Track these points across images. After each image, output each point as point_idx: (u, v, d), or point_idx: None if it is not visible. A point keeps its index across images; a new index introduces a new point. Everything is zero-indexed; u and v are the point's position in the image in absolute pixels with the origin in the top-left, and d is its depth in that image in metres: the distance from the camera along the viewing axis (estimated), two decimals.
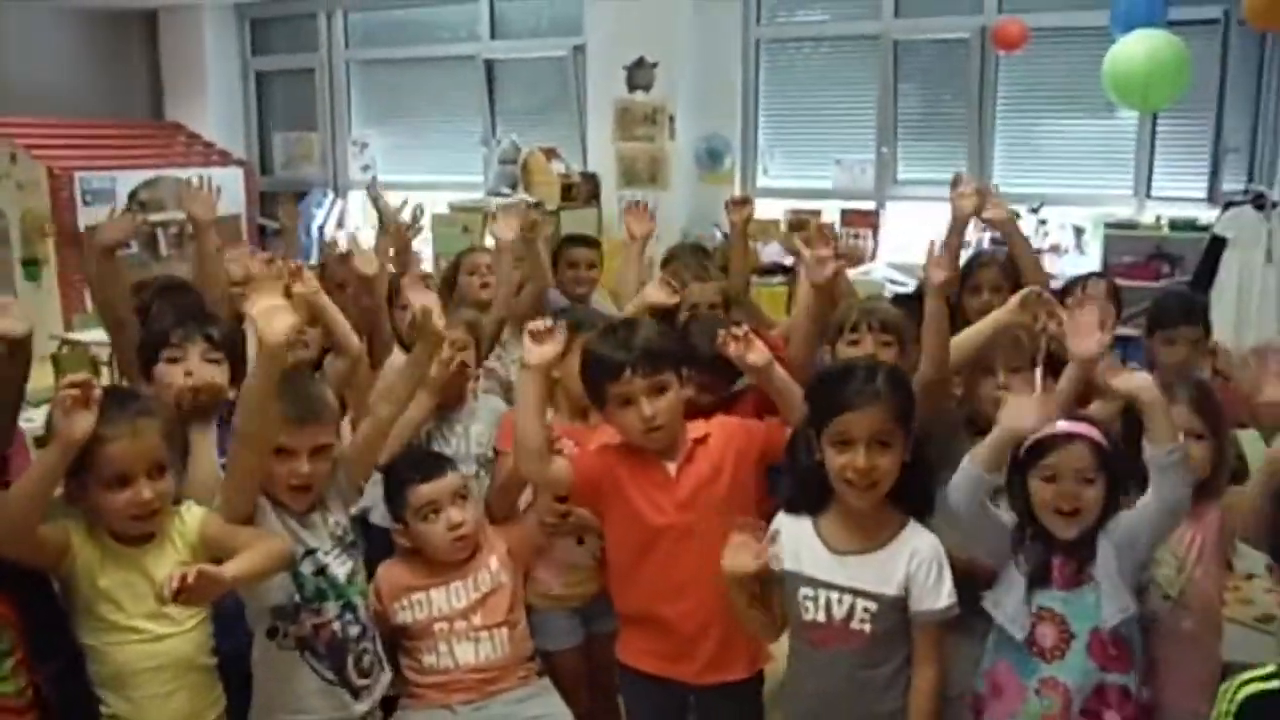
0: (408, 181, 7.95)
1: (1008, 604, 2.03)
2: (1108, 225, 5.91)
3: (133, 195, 7.05)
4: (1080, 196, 6.20)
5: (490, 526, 2.57)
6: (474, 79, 7.67)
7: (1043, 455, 1.98)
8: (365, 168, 8.05)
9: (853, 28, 6.72)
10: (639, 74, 6.70)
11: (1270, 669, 1.67)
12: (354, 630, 2.23)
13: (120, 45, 8.33)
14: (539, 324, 2.23)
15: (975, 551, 2.10)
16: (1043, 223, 6.04)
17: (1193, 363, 2.80)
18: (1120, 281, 4.50)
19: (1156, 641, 2.08)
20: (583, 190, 6.85)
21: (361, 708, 2.23)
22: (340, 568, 2.21)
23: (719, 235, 6.61)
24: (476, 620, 2.44)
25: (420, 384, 2.46)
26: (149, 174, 7.25)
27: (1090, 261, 5.79)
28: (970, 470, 2.00)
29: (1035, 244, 5.87)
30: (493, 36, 7.65)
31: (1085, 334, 2.16)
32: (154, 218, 7.01)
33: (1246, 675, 1.69)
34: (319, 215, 7.85)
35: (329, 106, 8.24)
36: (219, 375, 2.35)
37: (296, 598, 2.15)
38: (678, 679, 2.26)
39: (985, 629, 2.10)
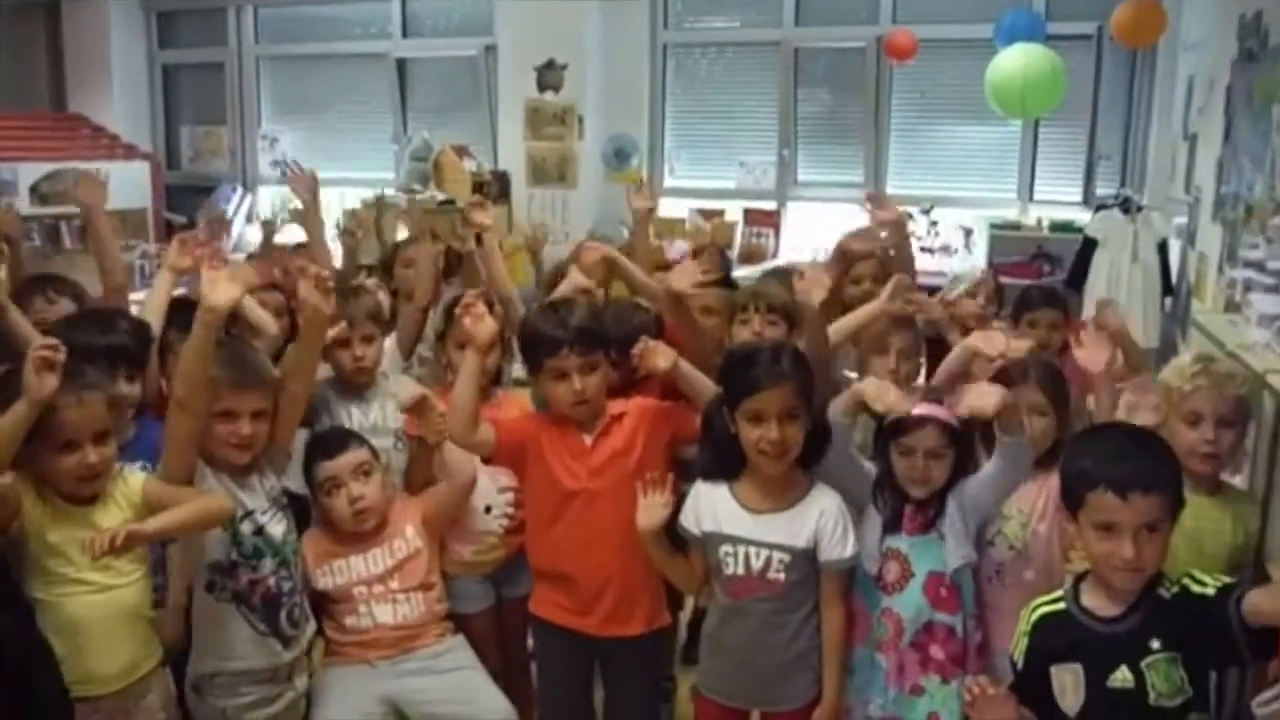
0: (318, 177, 8.09)
1: (865, 542, 2.33)
2: (993, 226, 6.32)
3: (34, 189, 7.06)
4: (968, 199, 6.61)
5: (406, 496, 2.80)
6: (385, 76, 7.82)
7: (902, 433, 2.28)
8: (276, 162, 8.15)
9: (755, 35, 7.03)
10: (549, 75, 6.92)
11: (1058, 594, 1.98)
12: (287, 585, 2.44)
13: (22, 35, 8.28)
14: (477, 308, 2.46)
15: (843, 493, 2.37)
16: (934, 224, 6.43)
17: (1050, 344, 3.15)
18: (1005, 279, 4.91)
19: (1001, 589, 2.37)
20: (493, 188, 7.04)
21: (289, 655, 2.44)
22: (276, 527, 2.43)
23: (626, 233, 6.88)
24: (394, 584, 2.65)
25: (313, 361, 2.59)
26: (51, 166, 7.24)
27: (978, 260, 6.19)
28: (834, 414, 2.30)
29: (927, 243, 6.32)
30: (404, 35, 7.80)
31: (991, 335, 2.50)
32: (56, 210, 7.03)
33: (1040, 600, 2.00)
34: (229, 209, 7.93)
35: (238, 101, 8.30)
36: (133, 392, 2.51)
37: (234, 555, 2.35)
38: (582, 631, 2.51)
39: None
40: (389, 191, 6.99)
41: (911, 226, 6.01)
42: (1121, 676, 1.83)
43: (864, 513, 2.37)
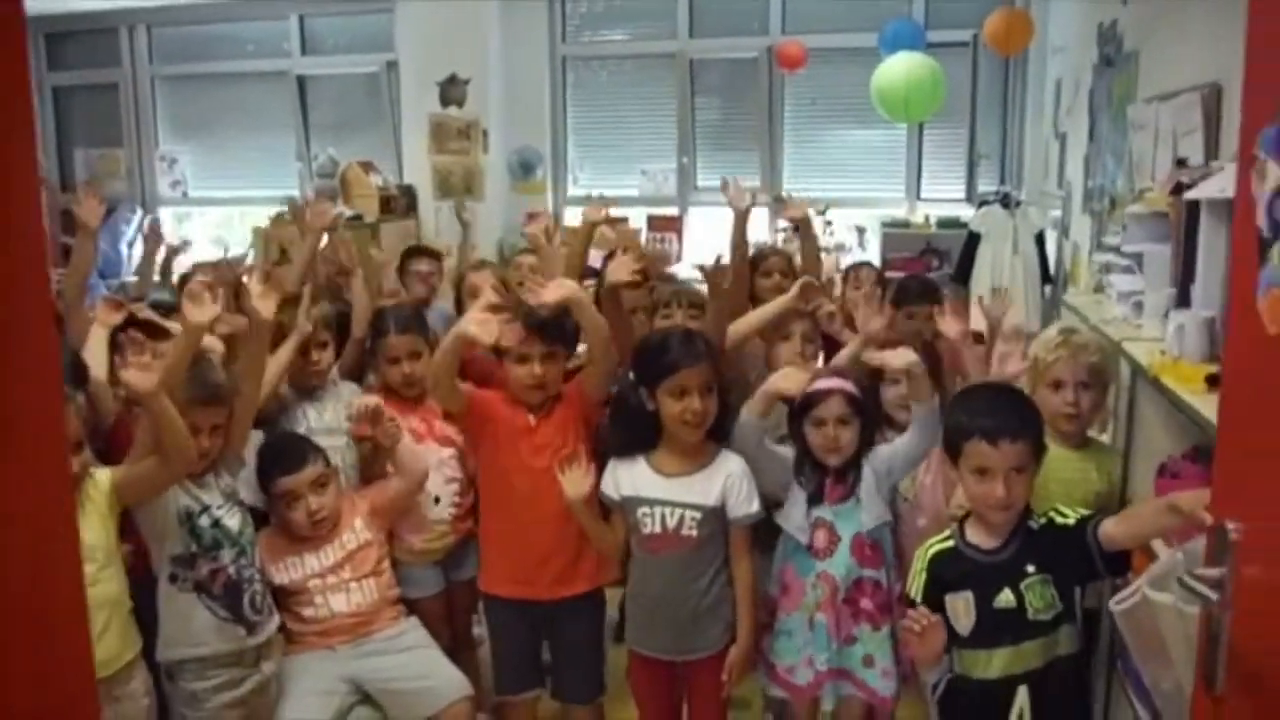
0: (219, 196, 8.17)
1: (793, 517, 2.65)
2: (885, 224, 6.75)
3: None
4: (861, 199, 7.03)
5: (352, 490, 3.03)
6: (285, 94, 7.92)
7: (811, 406, 2.61)
8: (175, 183, 8.21)
9: (652, 47, 7.35)
10: (452, 90, 7.13)
11: (947, 534, 2.33)
12: (247, 573, 2.66)
13: None
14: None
15: (762, 481, 2.68)
16: (829, 224, 6.79)
17: (925, 331, 3.51)
18: (896, 274, 5.30)
19: (901, 538, 2.71)
20: (400, 202, 7.22)
21: (254, 640, 2.65)
22: (231, 520, 2.64)
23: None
24: (346, 574, 2.87)
25: (260, 367, 2.79)
26: None
27: (871, 257, 6.57)
28: (747, 418, 2.62)
29: (823, 242, 6.68)
30: (303, 52, 7.92)
31: (873, 316, 2.86)
32: None
33: (931, 540, 2.34)
34: (128, 231, 7.94)
35: (134, 122, 8.32)
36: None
37: (194, 547, 2.56)
38: (531, 598, 2.78)
39: (773, 547, 2.72)
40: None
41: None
42: (1004, 598, 2.17)
43: (789, 492, 2.68)
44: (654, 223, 7.25)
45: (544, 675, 2.94)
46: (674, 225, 7.23)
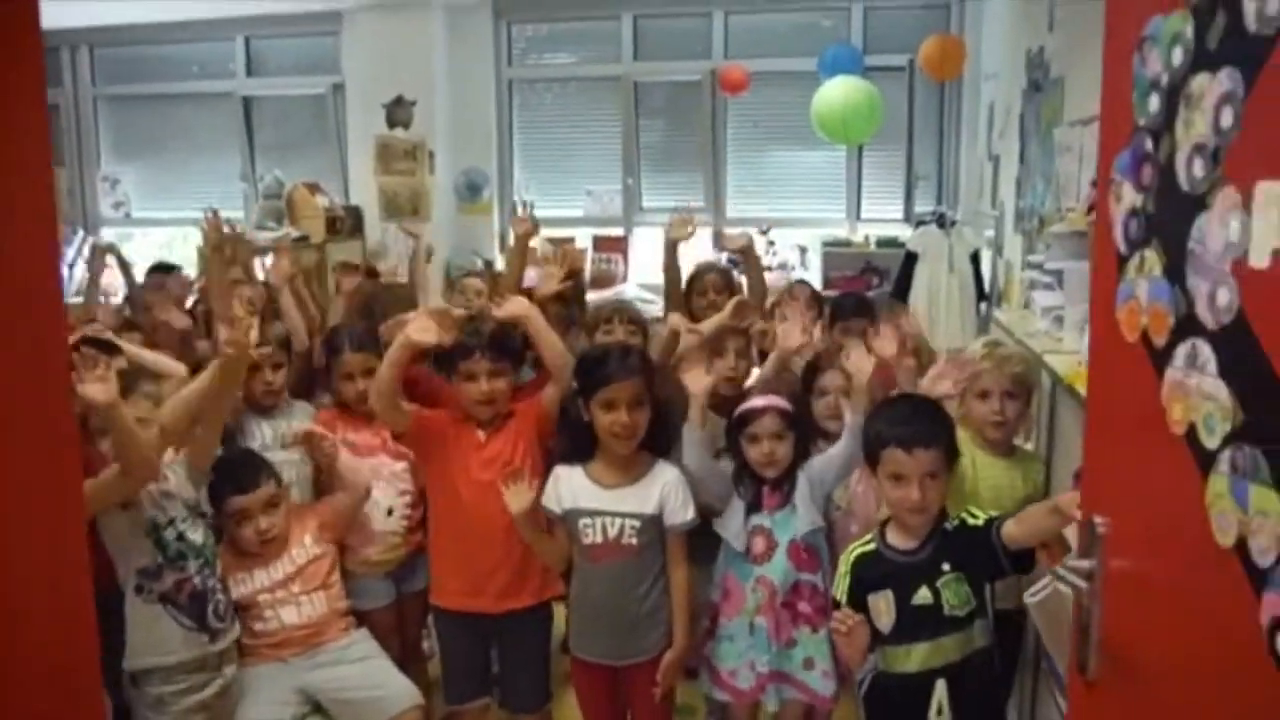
0: (163, 217, 8.16)
1: (731, 525, 2.77)
2: (826, 244, 6.92)
3: None
4: (802, 219, 7.20)
5: (301, 506, 3.10)
6: (231, 115, 7.95)
7: (747, 423, 2.74)
8: (118, 204, 8.19)
9: (597, 70, 7.48)
10: (398, 112, 7.21)
11: (869, 538, 2.47)
12: (210, 583, 2.73)
13: None
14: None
15: (703, 493, 2.80)
16: (771, 243, 6.97)
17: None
18: (834, 292, 5.45)
19: (836, 545, 2.83)
20: (347, 223, 7.27)
21: (216, 647, 2.72)
22: (195, 533, 2.71)
23: (479, 263, 7.22)
24: (295, 588, 2.95)
25: (231, 397, 2.90)
26: None
27: (813, 275, 6.75)
28: (690, 434, 2.75)
29: (765, 262, 6.85)
30: (249, 74, 7.97)
31: (793, 331, 2.97)
32: None
33: (854, 544, 2.49)
34: (69, 253, 7.91)
35: (76, 143, 8.30)
36: None
37: (160, 560, 2.63)
38: (480, 610, 2.87)
39: (713, 558, 2.84)
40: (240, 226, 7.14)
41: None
42: (922, 595, 2.32)
43: (728, 502, 2.80)
44: (599, 243, 7.36)
45: (492, 685, 3.03)
46: (619, 246, 7.34)
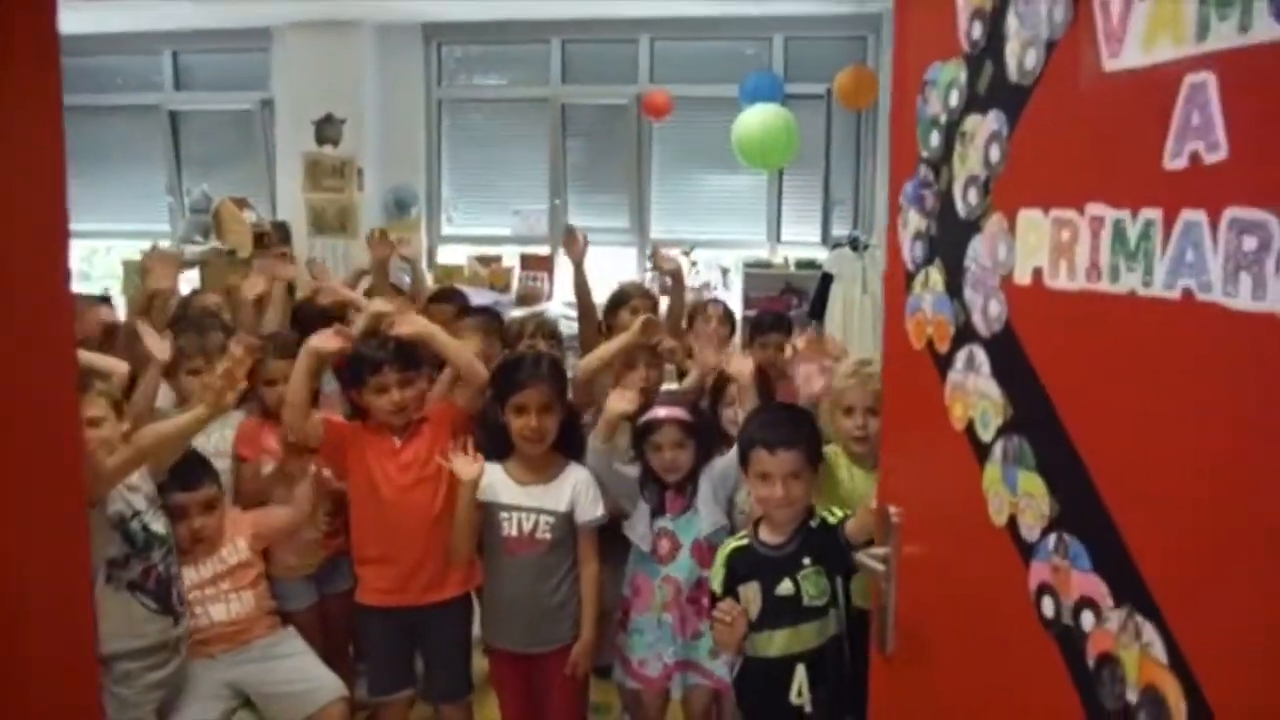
0: (85, 229, 8.15)
1: (638, 528, 2.99)
2: (747, 265, 7.17)
3: None
4: (725, 241, 7.46)
5: (238, 511, 3.24)
6: (157, 128, 8.02)
7: (650, 433, 2.97)
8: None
9: (525, 92, 7.68)
10: (327, 129, 7.33)
11: (744, 534, 2.70)
12: (174, 569, 2.88)
13: None
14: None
15: (611, 497, 3.01)
16: (695, 264, 7.21)
17: (779, 360, 3.88)
18: (756, 311, 5.68)
19: None
20: (274, 238, 7.36)
21: (177, 631, 2.87)
22: (157, 522, 2.85)
23: (407, 280, 7.34)
24: (225, 585, 3.08)
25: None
26: None
27: (734, 296, 7.00)
28: (594, 445, 2.98)
29: (689, 282, 7.07)
30: (176, 88, 8.03)
31: (709, 348, 3.21)
32: None
33: (730, 540, 2.72)
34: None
35: None
36: None
37: (128, 549, 2.76)
38: (404, 605, 3.04)
39: (625, 558, 3.06)
40: (164, 243, 7.21)
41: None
42: (785, 586, 2.56)
43: (635, 505, 3.01)
44: (526, 262, 7.53)
45: (415, 678, 3.19)
46: (546, 264, 7.52)
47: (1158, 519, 1.12)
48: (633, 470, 3.04)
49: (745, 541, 2.66)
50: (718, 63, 7.32)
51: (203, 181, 7.71)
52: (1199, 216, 1.04)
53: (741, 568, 2.61)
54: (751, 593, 2.57)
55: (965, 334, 1.45)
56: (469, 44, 7.76)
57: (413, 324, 3.04)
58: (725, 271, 7.35)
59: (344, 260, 7.34)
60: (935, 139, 1.51)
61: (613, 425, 2.96)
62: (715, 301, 4.61)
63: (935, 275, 1.52)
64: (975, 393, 1.43)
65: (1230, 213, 1.00)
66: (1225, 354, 1.02)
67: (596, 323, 3.97)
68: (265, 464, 3.33)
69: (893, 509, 1.64)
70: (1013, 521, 1.35)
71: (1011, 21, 1.33)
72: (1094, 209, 1.19)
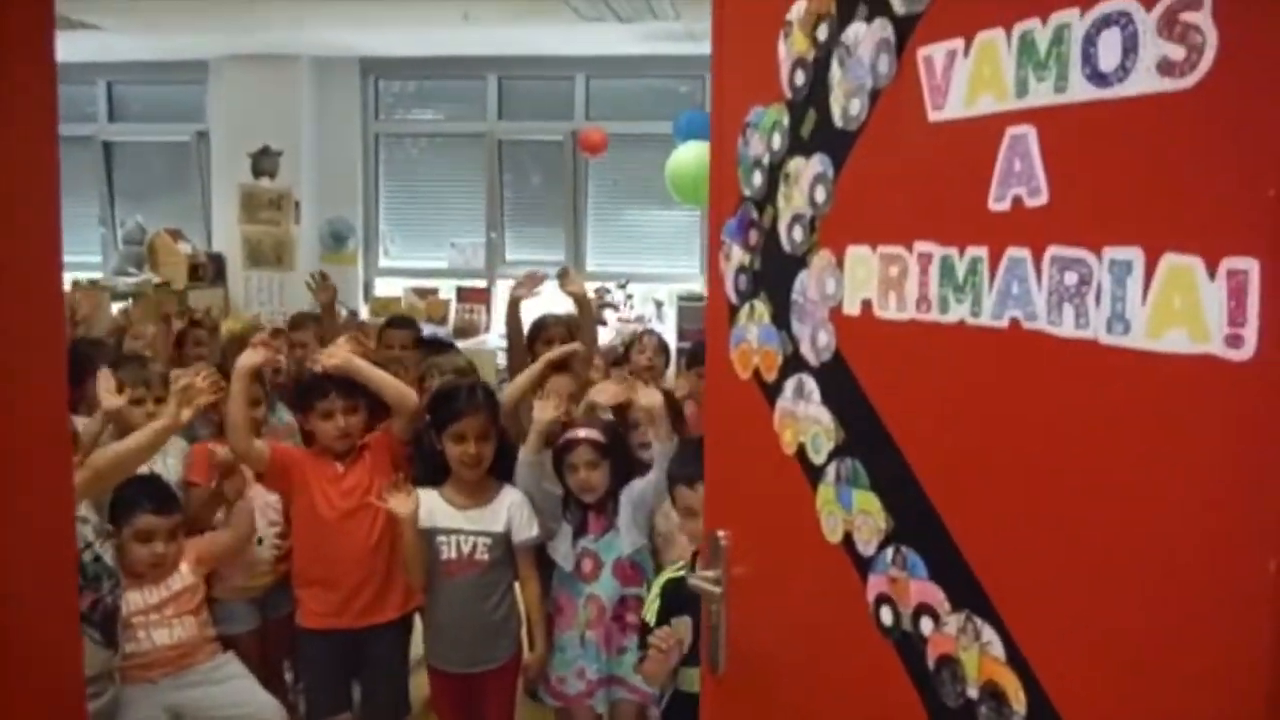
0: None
1: (560, 548, 3.12)
2: (681, 298, 7.29)
3: None
4: (659, 275, 7.61)
5: (185, 538, 3.26)
6: (91, 159, 8.02)
7: (566, 453, 3.09)
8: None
9: (462, 127, 7.82)
10: (264, 161, 7.40)
11: (680, 565, 2.73)
12: (120, 600, 2.93)
13: None
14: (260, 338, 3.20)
15: (540, 517, 3.12)
16: (629, 297, 7.35)
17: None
18: (690, 342, 5.78)
19: (662, 554, 3.18)
20: (209, 270, 7.39)
21: (117, 660, 2.91)
22: (106, 553, 2.91)
23: (344, 312, 7.38)
24: (169, 610, 3.13)
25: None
26: None
27: (669, 327, 7.12)
28: (524, 457, 3.10)
29: (624, 314, 7.19)
30: (110, 119, 8.05)
31: (607, 389, 3.33)
32: None
33: (666, 571, 2.80)
34: None
35: None
36: None
37: (80, 581, 2.77)
38: (344, 627, 3.14)
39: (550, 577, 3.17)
40: (97, 275, 7.21)
41: (611, 299, 6.96)
42: None
43: (559, 525, 3.14)
44: (463, 294, 7.64)
45: (351, 700, 3.30)
46: (483, 297, 7.64)
47: (992, 529, 1.20)
48: (558, 489, 3.16)
49: (681, 573, 2.65)
50: (652, 100, 7.48)
51: (136, 213, 7.71)
52: (1024, 254, 1.12)
53: (675, 600, 2.62)
54: (684, 626, 2.57)
55: (794, 363, 1.51)
56: (406, 79, 7.88)
57: (334, 356, 3.13)
58: (659, 304, 7.48)
59: (280, 293, 7.41)
60: (758, 178, 1.56)
61: (542, 435, 3.09)
62: (650, 333, 4.75)
63: (761, 308, 1.58)
64: (806, 419, 1.48)
65: (1052, 250, 1.08)
66: (1051, 375, 1.10)
67: (525, 353, 4.08)
68: None
69: (721, 532, 1.68)
70: (848, 538, 1.41)
71: (835, 71, 1.39)
72: (922, 246, 1.26)
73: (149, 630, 3.09)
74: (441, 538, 3.07)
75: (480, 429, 3.05)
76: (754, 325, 1.59)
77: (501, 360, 6.34)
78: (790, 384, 1.52)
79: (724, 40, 1.68)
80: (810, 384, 1.48)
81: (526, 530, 3.10)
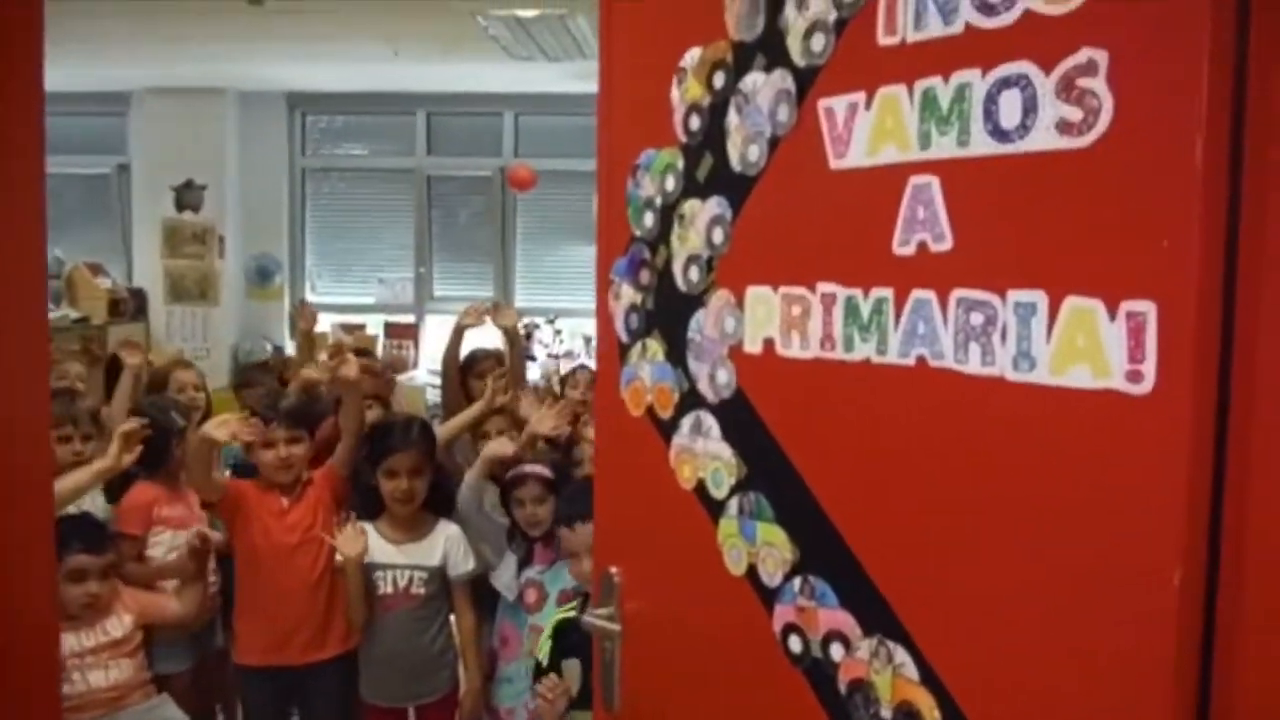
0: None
1: (504, 578, 3.16)
2: None
3: None
4: (588, 310, 7.41)
5: (129, 591, 3.21)
6: None
7: (514, 488, 3.14)
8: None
9: (390, 162, 7.85)
10: (188, 195, 7.34)
11: (572, 605, 2.67)
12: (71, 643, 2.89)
13: None
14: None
15: (481, 545, 3.17)
16: (558, 332, 7.40)
17: None
18: None
19: None
20: (130, 305, 7.27)
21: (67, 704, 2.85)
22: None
23: (269, 348, 7.34)
24: (105, 654, 3.08)
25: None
26: None
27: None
28: (469, 481, 3.16)
29: (552, 349, 7.22)
30: None
31: (546, 419, 3.38)
32: None
33: (558, 612, 2.73)
34: None
35: None
36: None
37: None
38: (284, 664, 3.14)
39: (494, 609, 3.20)
40: None
41: (539, 334, 6.99)
42: None
43: (502, 556, 3.18)
44: (391, 330, 7.64)
45: None
46: (411, 333, 7.65)
47: (903, 557, 1.23)
48: (502, 519, 3.20)
49: (573, 613, 2.59)
50: (580, 137, 7.51)
51: (54, 246, 7.56)
52: (929, 295, 1.16)
53: (568, 641, 2.58)
54: (572, 672, 2.54)
55: (691, 400, 1.52)
56: (334, 114, 7.88)
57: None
58: (588, 340, 7.51)
59: (204, 327, 7.33)
60: (649, 219, 1.57)
61: (490, 464, 3.15)
62: (583, 368, 4.77)
63: (654, 345, 1.58)
64: (705, 454, 1.49)
65: (958, 293, 1.13)
66: (958, 410, 1.15)
67: (458, 389, 4.12)
68: (157, 533, 3.33)
69: (613, 569, 1.68)
70: (752, 570, 1.43)
71: (733, 118, 1.41)
72: (825, 287, 1.29)
73: (84, 672, 3.03)
74: (377, 572, 3.11)
75: (413, 465, 3.10)
76: (646, 363, 1.60)
77: (431, 396, 6.36)
78: (688, 420, 1.53)
79: (612, 84, 1.69)
80: (709, 420, 1.49)
81: (463, 565, 3.14)
